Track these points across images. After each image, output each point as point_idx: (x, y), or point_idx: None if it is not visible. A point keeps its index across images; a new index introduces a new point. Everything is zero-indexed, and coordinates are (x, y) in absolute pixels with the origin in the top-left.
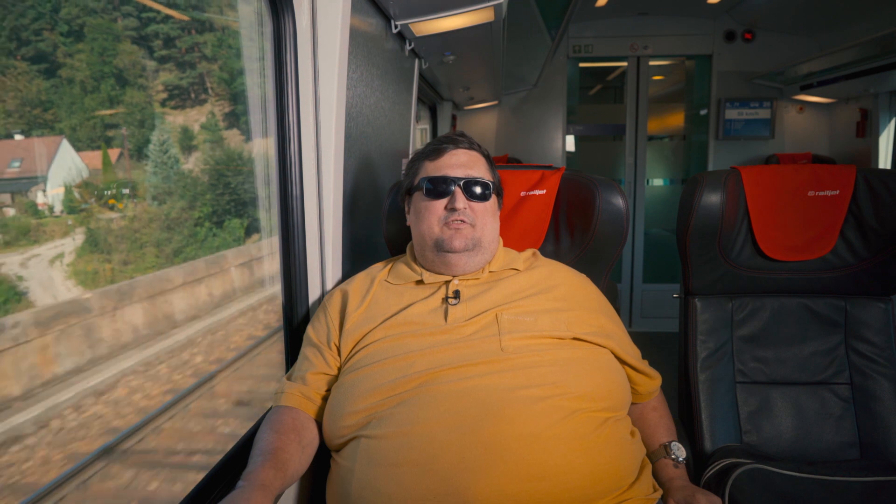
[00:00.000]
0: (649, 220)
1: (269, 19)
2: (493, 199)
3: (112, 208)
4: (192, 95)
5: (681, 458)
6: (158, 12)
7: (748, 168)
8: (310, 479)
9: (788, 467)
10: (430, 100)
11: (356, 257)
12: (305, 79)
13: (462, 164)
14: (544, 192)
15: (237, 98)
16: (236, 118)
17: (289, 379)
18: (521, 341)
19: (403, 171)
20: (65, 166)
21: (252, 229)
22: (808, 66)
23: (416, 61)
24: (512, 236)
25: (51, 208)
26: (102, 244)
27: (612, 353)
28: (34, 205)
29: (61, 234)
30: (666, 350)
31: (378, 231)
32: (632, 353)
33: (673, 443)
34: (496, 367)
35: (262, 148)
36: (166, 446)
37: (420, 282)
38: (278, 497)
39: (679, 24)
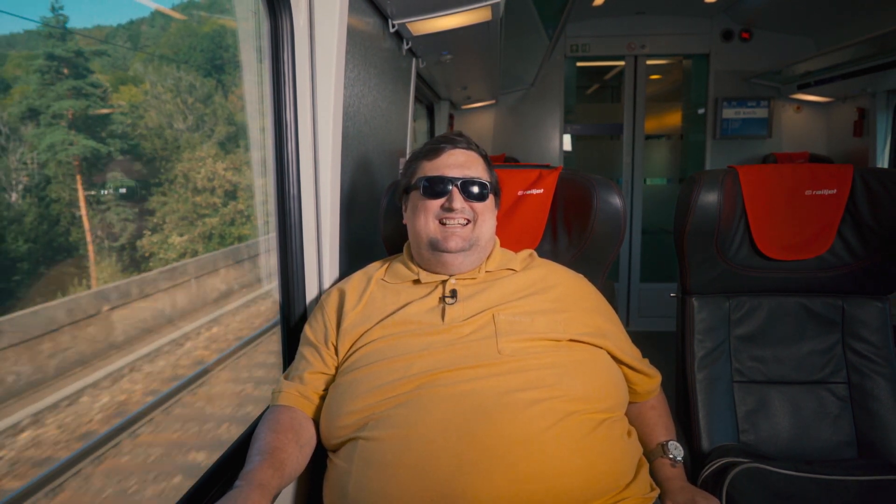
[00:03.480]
0: (647, 220)
1: (266, 18)
2: (491, 198)
3: None
4: None
5: (678, 458)
6: None
7: (745, 167)
8: (307, 478)
9: (786, 466)
10: (428, 99)
11: (353, 256)
12: (303, 78)
13: (459, 164)
14: (542, 191)
15: None
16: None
17: (286, 378)
18: (518, 344)
19: (401, 171)
20: None
21: None
22: (805, 65)
23: (414, 60)
24: (509, 235)
25: None
26: None
27: (609, 353)
28: None
29: None
30: (663, 349)
31: (375, 230)
32: (630, 352)
33: (671, 442)
34: (493, 370)
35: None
36: None
37: (417, 281)
38: (276, 496)
39: (676, 23)
